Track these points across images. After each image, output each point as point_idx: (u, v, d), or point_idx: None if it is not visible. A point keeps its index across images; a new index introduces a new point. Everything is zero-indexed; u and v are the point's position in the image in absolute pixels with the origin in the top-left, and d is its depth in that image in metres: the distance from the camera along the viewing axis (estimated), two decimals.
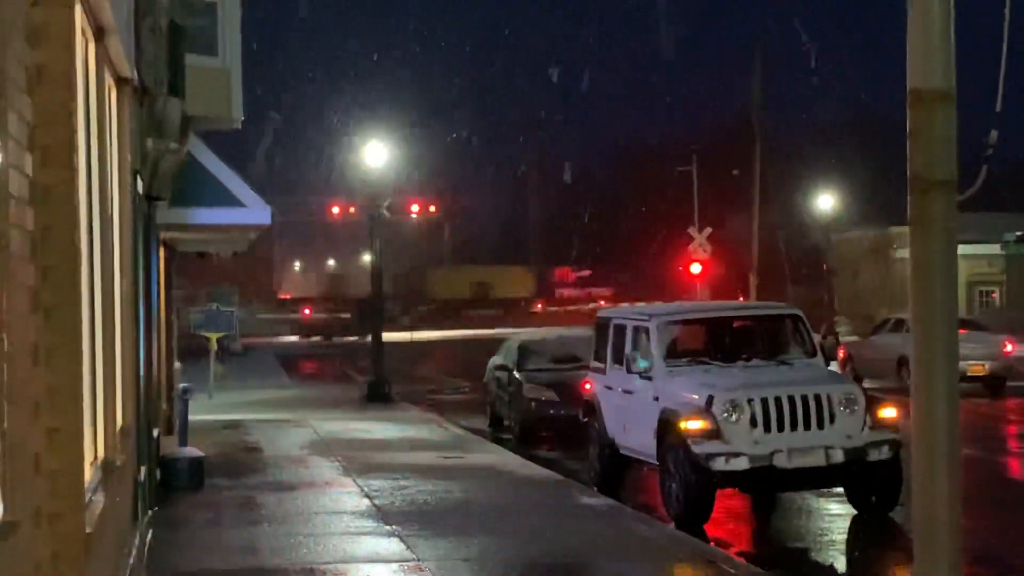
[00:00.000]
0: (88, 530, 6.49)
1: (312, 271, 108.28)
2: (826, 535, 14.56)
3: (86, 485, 7.00)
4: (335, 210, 44.21)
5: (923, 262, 7.50)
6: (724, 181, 64.02)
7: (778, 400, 14.51)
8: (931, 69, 7.29)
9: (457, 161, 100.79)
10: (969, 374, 27.58)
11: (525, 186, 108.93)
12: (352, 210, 41.36)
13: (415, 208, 46.09)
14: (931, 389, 7.49)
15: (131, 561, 10.47)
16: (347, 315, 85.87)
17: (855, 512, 15.04)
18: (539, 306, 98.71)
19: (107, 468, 8.62)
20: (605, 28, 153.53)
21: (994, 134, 7.47)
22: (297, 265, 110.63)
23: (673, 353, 16.38)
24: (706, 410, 14.51)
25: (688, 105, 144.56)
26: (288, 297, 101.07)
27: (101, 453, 8.61)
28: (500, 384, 25.75)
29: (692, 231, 52.04)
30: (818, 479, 14.77)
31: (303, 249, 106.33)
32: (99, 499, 7.66)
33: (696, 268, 49.75)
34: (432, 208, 48.51)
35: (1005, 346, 32.56)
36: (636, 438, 16.16)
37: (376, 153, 34.62)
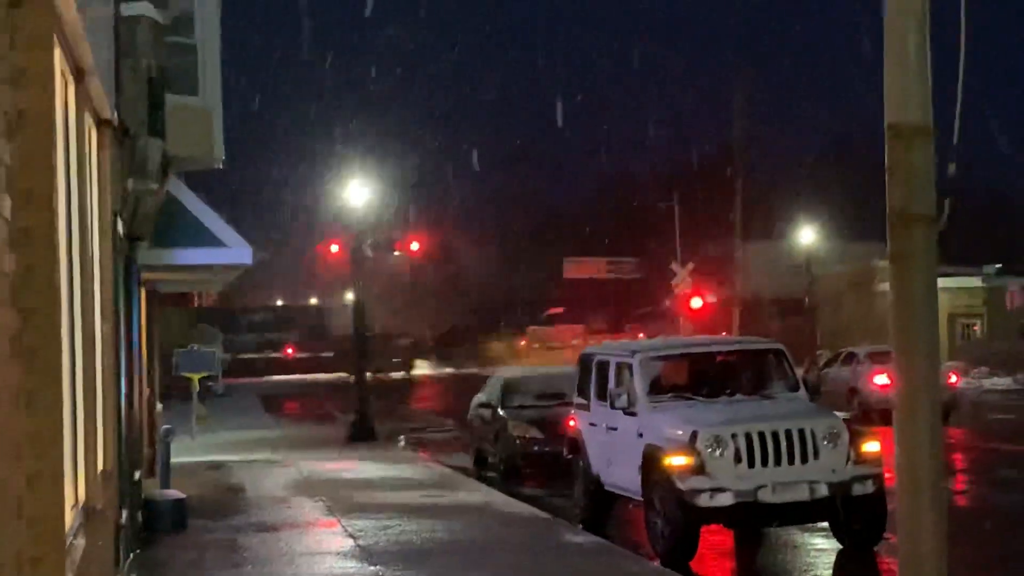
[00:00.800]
0: (69, 574, 6.45)
1: None
2: (811, 570, 14.52)
3: (67, 529, 6.96)
4: (334, 248, 43.88)
5: (904, 296, 7.52)
6: (706, 215, 64.22)
7: (762, 435, 14.50)
8: (908, 104, 7.33)
9: (438, 197, 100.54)
10: None
11: (509, 220, 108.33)
12: (335, 248, 41.12)
13: (396, 252, 45.89)
14: (914, 423, 7.50)
15: None
16: (330, 354, 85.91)
17: (840, 547, 15.01)
18: (523, 343, 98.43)
19: (88, 511, 8.58)
20: (585, 63, 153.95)
21: (952, 167, 7.50)
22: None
23: (656, 389, 16.38)
24: (690, 445, 14.50)
25: (669, 139, 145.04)
26: None
27: (83, 496, 8.57)
28: (484, 421, 25.69)
29: (675, 266, 52.16)
30: (803, 514, 14.73)
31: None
32: (80, 543, 7.62)
33: (696, 302, 49.78)
34: (415, 246, 48.19)
35: (950, 377, 34.42)
36: (621, 474, 16.14)
37: (358, 192, 34.68)
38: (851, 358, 37.35)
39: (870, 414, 33.07)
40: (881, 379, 34.99)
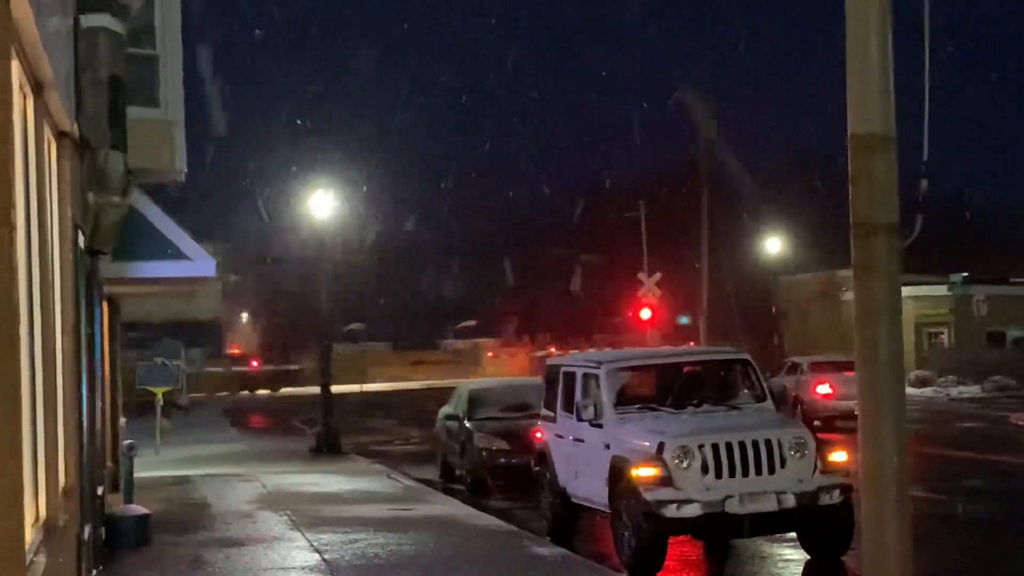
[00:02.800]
0: None
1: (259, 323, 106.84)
2: None
3: (27, 547, 6.91)
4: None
5: (867, 305, 7.55)
6: (673, 226, 64.29)
7: (729, 446, 14.53)
8: (871, 115, 7.37)
9: (408, 205, 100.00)
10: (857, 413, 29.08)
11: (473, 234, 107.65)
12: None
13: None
14: (878, 433, 7.54)
15: None
16: (296, 366, 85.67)
17: (808, 557, 15.06)
18: (490, 354, 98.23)
19: (49, 529, 8.53)
20: (554, 74, 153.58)
21: (924, 183, 7.55)
22: (244, 317, 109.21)
23: (623, 400, 16.39)
24: (657, 457, 14.51)
25: (636, 150, 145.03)
26: (237, 351, 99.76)
27: (43, 513, 8.51)
28: (450, 434, 25.65)
29: (641, 276, 52.32)
30: (770, 524, 14.75)
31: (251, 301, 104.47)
32: (41, 560, 7.56)
33: (646, 313, 50.11)
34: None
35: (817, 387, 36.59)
36: (588, 486, 16.14)
37: (323, 204, 34.63)
38: (795, 368, 39.59)
39: (813, 422, 33.58)
40: (823, 388, 36.11)
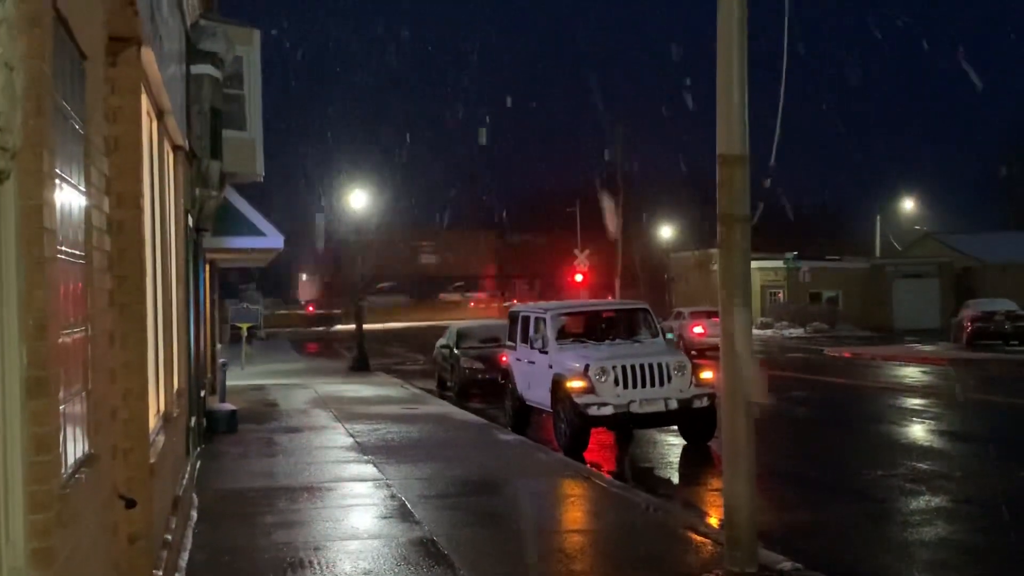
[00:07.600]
0: (152, 461, 6.38)
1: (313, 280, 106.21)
2: (665, 458, 14.67)
3: (151, 429, 6.88)
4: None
5: (728, 272, 7.59)
6: (600, 217, 64.24)
7: (633, 367, 14.60)
8: (732, 140, 7.38)
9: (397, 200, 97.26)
10: (720, 346, 28.97)
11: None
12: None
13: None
14: (734, 360, 7.58)
15: (184, 483, 10.30)
16: (339, 311, 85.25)
17: (685, 442, 15.17)
18: (472, 304, 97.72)
19: (167, 418, 8.49)
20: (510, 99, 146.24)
21: (767, 181, 7.60)
22: (304, 276, 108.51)
23: (562, 335, 16.43)
24: (584, 374, 14.57)
25: (575, 160, 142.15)
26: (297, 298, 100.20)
27: (163, 407, 8.47)
28: (444, 357, 25.69)
29: (576, 251, 52.37)
30: (660, 420, 14.87)
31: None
32: (160, 439, 7.53)
33: (579, 277, 50.16)
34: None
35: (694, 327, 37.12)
36: (537, 394, 16.19)
37: (357, 199, 34.36)
38: (679, 315, 39.21)
39: (690, 352, 33.63)
40: (698, 329, 36.03)
